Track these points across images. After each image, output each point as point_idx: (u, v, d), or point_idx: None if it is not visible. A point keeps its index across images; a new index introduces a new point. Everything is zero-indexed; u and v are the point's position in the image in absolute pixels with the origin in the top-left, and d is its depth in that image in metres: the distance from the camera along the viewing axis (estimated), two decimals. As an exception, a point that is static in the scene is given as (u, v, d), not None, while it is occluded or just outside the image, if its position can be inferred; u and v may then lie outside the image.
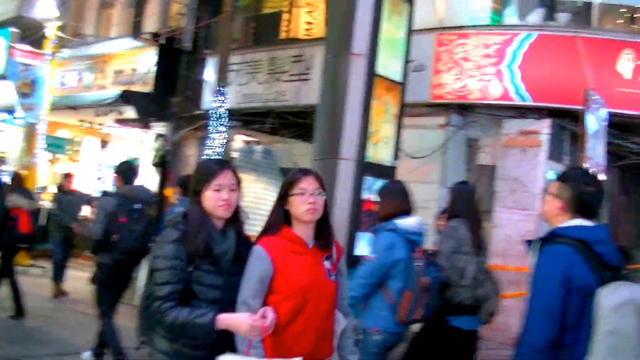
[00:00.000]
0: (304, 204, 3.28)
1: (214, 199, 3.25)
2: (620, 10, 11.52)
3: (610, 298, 2.90)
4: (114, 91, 15.79)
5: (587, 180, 3.32)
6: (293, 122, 13.58)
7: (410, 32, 7.92)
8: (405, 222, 5.01)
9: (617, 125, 10.16)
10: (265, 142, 15.26)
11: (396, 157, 7.83)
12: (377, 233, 5.11)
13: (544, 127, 10.22)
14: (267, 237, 3.34)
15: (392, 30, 7.59)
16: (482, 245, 5.47)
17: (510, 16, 11.06)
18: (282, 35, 13.94)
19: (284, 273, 3.25)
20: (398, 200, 5.15)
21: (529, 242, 3.37)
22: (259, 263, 3.25)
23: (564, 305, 3.04)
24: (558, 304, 3.04)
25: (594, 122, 9.11)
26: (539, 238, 3.30)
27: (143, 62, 15.77)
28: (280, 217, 3.35)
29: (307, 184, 3.31)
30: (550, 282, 3.07)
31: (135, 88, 15.47)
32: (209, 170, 3.32)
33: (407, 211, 5.09)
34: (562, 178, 3.37)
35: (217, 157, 11.35)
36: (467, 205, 5.48)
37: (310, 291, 3.26)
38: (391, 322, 4.92)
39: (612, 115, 9.52)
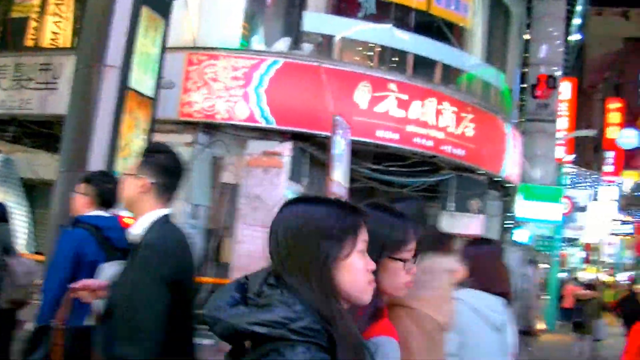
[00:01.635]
0: (405, 275, 2.17)
1: (363, 274, 1.80)
2: (358, 49, 12.58)
3: (105, 271, 3.42)
4: None
5: (106, 180, 4.06)
6: (37, 132, 13.13)
7: (164, 48, 8.07)
8: None
9: (351, 151, 11.06)
10: (5, 151, 14.58)
11: (144, 171, 7.87)
12: None
13: (286, 149, 10.81)
14: (385, 321, 2.15)
15: (147, 45, 7.67)
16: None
17: (258, 43, 11.62)
18: (29, 42, 13.43)
19: None
20: None
21: (62, 227, 4.17)
22: None
23: (75, 275, 3.58)
24: (70, 273, 3.60)
25: (340, 146, 9.80)
26: (66, 225, 4.02)
27: None
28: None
29: (413, 245, 2.19)
30: (64, 257, 3.71)
31: None
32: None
33: None
34: (86, 179, 4.08)
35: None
36: None
37: None
38: None
39: (348, 141, 10.37)
